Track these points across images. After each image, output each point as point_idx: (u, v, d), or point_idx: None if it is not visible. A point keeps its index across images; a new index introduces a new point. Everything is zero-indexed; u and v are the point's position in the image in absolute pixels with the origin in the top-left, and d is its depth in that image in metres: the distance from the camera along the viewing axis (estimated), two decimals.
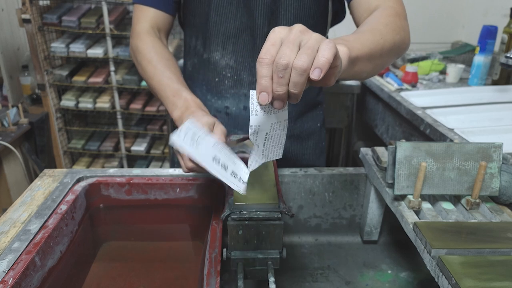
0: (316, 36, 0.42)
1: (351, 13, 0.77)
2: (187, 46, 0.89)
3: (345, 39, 0.54)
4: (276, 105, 0.43)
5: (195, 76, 0.87)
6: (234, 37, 0.79)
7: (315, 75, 0.40)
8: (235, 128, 0.86)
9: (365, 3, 0.72)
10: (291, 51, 0.41)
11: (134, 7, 0.81)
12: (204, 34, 0.81)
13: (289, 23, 0.78)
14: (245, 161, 0.51)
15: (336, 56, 0.42)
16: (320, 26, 0.83)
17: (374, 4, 0.70)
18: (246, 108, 0.85)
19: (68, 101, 2.23)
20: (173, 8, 0.82)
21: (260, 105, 0.44)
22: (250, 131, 0.45)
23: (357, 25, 0.75)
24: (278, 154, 0.50)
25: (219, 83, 0.84)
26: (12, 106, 2.10)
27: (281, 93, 0.42)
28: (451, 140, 1.04)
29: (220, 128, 0.60)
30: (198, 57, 0.85)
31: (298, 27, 0.42)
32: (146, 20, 0.79)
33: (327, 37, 0.89)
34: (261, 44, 0.78)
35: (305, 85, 0.42)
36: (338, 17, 0.86)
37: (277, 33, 0.42)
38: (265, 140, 0.47)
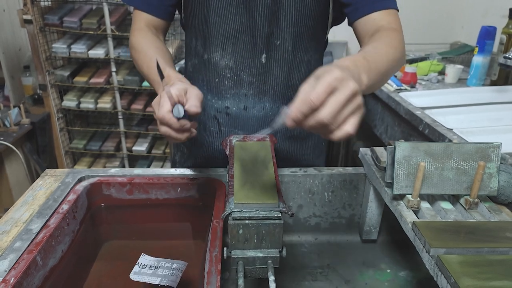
0: (358, 102, 0.44)
1: (354, 30, 0.79)
2: (187, 47, 0.89)
3: (368, 60, 0.57)
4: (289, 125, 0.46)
5: (196, 77, 0.88)
6: (233, 37, 0.79)
7: (332, 138, 0.45)
8: (235, 128, 0.87)
9: (370, 23, 0.74)
10: (334, 115, 0.43)
11: (133, 11, 0.85)
12: (204, 35, 0.82)
13: (290, 24, 0.78)
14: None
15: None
16: (321, 27, 0.83)
17: (379, 24, 0.74)
18: (246, 108, 0.85)
19: (69, 102, 2.23)
20: (168, 13, 0.84)
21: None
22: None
23: (361, 41, 0.77)
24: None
25: (219, 84, 0.84)
26: (14, 107, 2.11)
27: (304, 127, 0.45)
28: (450, 140, 1.05)
29: (194, 93, 0.61)
30: (198, 58, 0.86)
31: (354, 89, 0.44)
32: (142, 21, 0.83)
33: (327, 39, 0.90)
34: (261, 45, 0.79)
35: None
36: (338, 20, 0.87)
37: (335, 81, 0.43)
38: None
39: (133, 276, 0.59)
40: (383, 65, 0.62)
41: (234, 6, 0.77)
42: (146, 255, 0.63)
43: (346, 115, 0.44)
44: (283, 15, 0.77)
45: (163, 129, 0.59)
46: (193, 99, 0.60)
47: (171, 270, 0.61)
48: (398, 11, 0.77)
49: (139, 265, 0.61)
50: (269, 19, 0.77)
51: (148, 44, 0.78)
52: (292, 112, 0.44)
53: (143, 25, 0.82)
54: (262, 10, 0.76)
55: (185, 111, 0.59)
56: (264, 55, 0.80)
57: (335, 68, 0.45)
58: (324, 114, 0.42)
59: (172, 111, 0.57)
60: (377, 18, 0.74)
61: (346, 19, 0.81)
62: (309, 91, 0.43)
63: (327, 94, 0.43)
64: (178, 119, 0.58)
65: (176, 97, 0.59)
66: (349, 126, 0.44)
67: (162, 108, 0.57)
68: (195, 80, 0.88)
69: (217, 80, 0.84)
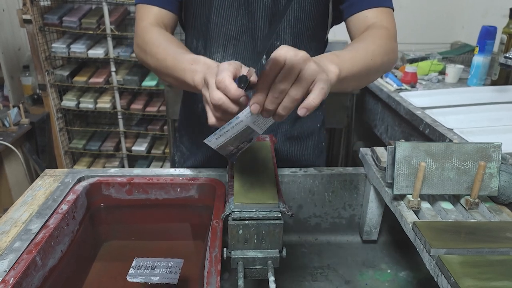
0: (314, 68, 0.48)
1: (347, 27, 0.79)
2: (188, 47, 0.89)
3: (340, 57, 0.59)
4: (264, 115, 0.49)
5: None
6: (234, 39, 0.79)
7: (301, 113, 0.48)
8: None
9: (362, 20, 0.75)
10: (292, 78, 0.47)
11: (136, 7, 0.80)
12: (205, 36, 0.81)
13: (290, 25, 0.78)
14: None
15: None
16: (320, 28, 0.83)
17: (370, 22, 0.74)
18: None
19: (69, 101, 2.23)
20: (177, 7, 0.81)
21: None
22: (234, 121, 0.50)
23: (352, 39, 0.78)
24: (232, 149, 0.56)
25: None
26: (13, 106, 2.10)
27: (271, 109, 0.48)
28: (450, 140, 1.05)
29: (246, 68, 0.55)
30: None
31: (303, 55, 0.47)
32: (150, 17, 0.78)
33: (327, 39, 0.90)
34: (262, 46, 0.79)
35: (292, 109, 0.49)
36: (338, 20, 0.86)
37: (283, 53, 0.47)
38: (235, 133, 0.52)
39: (130, 278, 0.58)
40: (360, 60, 0.62)
41: (235, 7, 0.77)
42: (139, 258, 0.63)
43: (304, 79, 0.47)
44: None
45: (218, 96, 0.49)
46: (247, 68, 0.53)
47: (168, 268, 0.61)
48: (393, 10, 0.77)
49: (134, 267, 0.60)
50: (269, 20, 0.77)
51: (168, 40, 0.73)
52: (253, 95, 0.47)
53: (152, 20, 0.77)
54: (263, 11, 0.76)
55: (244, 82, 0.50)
56: (264, 57, 0.80)
57: (283, 46, 0.48)
58: (278, 78, 0.46)
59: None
60: (369, 16, 0.74)
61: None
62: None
63: (278, 65, 0.46)
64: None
65: (235, 70, 0.51)
66: (315, 96, 0.47)
67: (223, 72, 0.50)
68: None
69: None
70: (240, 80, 0.50)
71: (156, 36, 0.74)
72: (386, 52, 0.69)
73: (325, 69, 0.52)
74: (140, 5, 0.79)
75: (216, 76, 0.50)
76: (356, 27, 0.76)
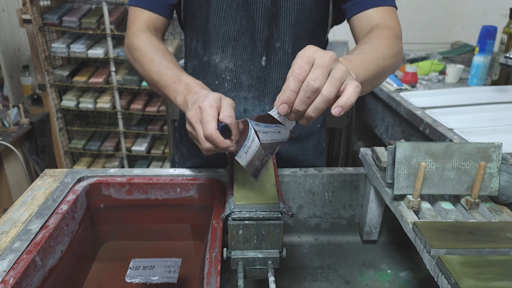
0: (344, 69, 0.46)
1: (351, 27, 0.78)
2: (187, 48, 0.89)
3: (353, 63, 0.57)
4: (291, 117, 0.46)
5: (196, 78, 0.88)
6: (233, 40, 0.79)
7: (336, 112, 0.45)
8: None
9: (366, 20, 0.74)
10: (324, 77, 0.44)
11: (129, 8, 0.81)
12: (204, 37, 0.81)
13: (290, 26, 0.78)
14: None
15: None
16: (321, 29, 0.83)
17: (375, 21, 0.73)
18: (246, 111, 0.85)
19: (68, 101, 2.23)
20: (169, 11, 0.82)
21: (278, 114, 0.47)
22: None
23: (356, 39, 0.77)
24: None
25: (219, 86, 0.84)
26: (13, 106, 2.10)
27: (301, 110, 0.45)
28: (451, 140, 1.04)
29: (227, 101, 0.59)
30: (198, 60, 0.85)
31: (332, 55, 0.45)
32: (141, 21, 0.79)
33: (327, 39, 0.90)
34: (261, 48, 0.79)
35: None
36: (338, 20, 0.86)
37: (312, 53, 0.45)
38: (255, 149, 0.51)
39: (129, 279, 0.58)
40: (371, 64, 0.61)
41: (234, 8, 0.77)
42: (136, 258, 0.63)
43: (335, 77, 0.44)
44: (283, 17, 0.77)
45: (207, 146, 0.56)
46: (227, 108, 0.58)
47: (167, 267, 0.61)
48: (396, 8, 0.76)
49: (132, 268, 0.60)
50: (268, 21, 0.77)
51: (155, 48, 0.75)
52: (281, 95, 0.44)
53: (143, 25, 0.79)
54: (262, 13, 0.76)
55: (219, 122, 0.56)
56: (264, 58, 0.80)
57: (309, 46, 0.46)
58: (311, 77, 0.43)
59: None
60: (374, 15, 0.74)
61: (345, 21, 0.81)
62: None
63: (308, 64, 0.44)
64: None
65: (217, 109, 0.56)
66: (350, 94, 0.44)
67: (209, 125, 0.54)
68: None
69: (216, 82, 0.84)
70: (223, 132, 0.55)
71: (144, 43, 0.76)
72: (394, 54, 0.68)
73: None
74: (132, 8, 0.81)
75: (204, 130, 0.55)
76: (361, 27, 0.75)
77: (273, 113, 0.47)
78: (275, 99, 0.84)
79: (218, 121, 0.56)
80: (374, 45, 0.66)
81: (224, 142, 0.55)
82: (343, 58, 0.58)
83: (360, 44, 0.69)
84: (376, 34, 0.70)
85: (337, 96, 0.46)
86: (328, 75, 0.45)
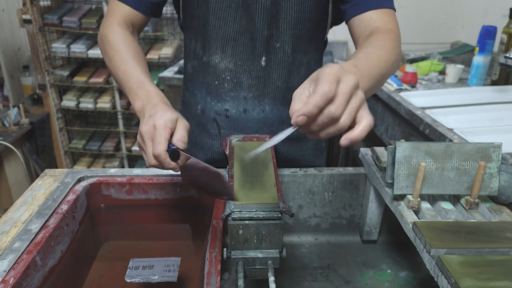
0: (362, 98, 0.45)
1: (349, 28, 0.78)
2: (187, 49, 0.89)
3: (361, 72, 0.57)
4: (302, 130, 0.46)
5: (195, 79, 0.88)
6: (233, 40, 0.79)
7: (344, 144, 0.44)
8: (235, 131, 0.86)
9: (366, 22, 0.74)
10: (344, 105, 0.43)
11: (110, 1, 0.80)
12: (204, 37, 0.81)
13: (290, 26, 0.78)
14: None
15: None
16: (320, 29, 0.83)
17: (375, 24, 0.73)
18: (246, 111, 0.85)
19: (69, 101, 2.23)
20: (149, 9, 0.80)
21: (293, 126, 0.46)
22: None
23: (356, 40, 0.76)
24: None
25: (219, 86, 0.84)
26: (13, 106, 2.10)
27: (313, 130, 0.45)
28: (451, 140, 1.05)
29: (183, 124, 0.59)
30: (198, 60, 0.85)
31: (356, 81, 0.44)
32: (120, 15, 0.78)
33: (326, 39, 0.90)
34: (261, 48, 0.79)
35: None
36: (338, 20, 0.86)
37: (337, 72, 0.44)
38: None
39: (128, 279, 0.58)
40: (375, 71, 0.61)
41: (233, 8, 0.77)
42: (135, 258, 0.63)
43: (353, 109, 0.44)
44: (283, 17, 0.77)
45: (153, 163, 0.57)
46: (182, 131, 0.58)
47: (166, 266, 0.61)
48: (395, 11, 0.76)
49: (131, 268, 0.60)
50: (268, 21, 0.77)
51: (127, 46, 0.74)
52: (305, 108, 0.43)
53: (120, 19, 0.78)
54: (262, 13, 0.76)
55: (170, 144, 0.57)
56: (263, 58, 0.80)
57: (332, 64, 0.45)
58: (334, 107, 0.43)
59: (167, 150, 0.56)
60: (374, 18, 0.73)
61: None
62: (308, 90, 0.44)
63: (336, 83, 0.43)
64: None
65: (170, 130, 0.57)
66: (363, 129, 0.44)
67: (159, 145, 0.55)
68: (195, 81, 0.88)
69: (216, 82, 0.84)
70: (172, 154, 0.56)
71: (118, 39, 0.75)
72: (396, 59, 0.69)
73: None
74: (112, 0, 0.79)
75: (153, 150, 0.56)
76: (360, 29, 0.74)
77: (290, 128, 0.47)
78: (275, 99, 0.84)
79: (170, 143, 0.57)
80: (377, 49, 0.66)
81: (170, 164, 0.56)
82: (353, 64, 0.57)
83: (364, 47, 0.69)
84: (378, 37, 0.70)
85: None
86: (347, 103, 0.44)
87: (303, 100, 0.44)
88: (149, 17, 0.83)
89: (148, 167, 0.60)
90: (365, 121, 0.45)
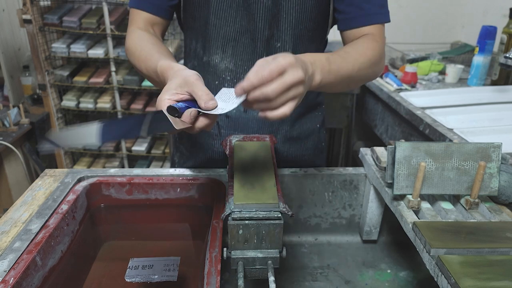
0: (301, 91, 0.51)
1: (342, 37, 0.81)
2: (187, 49, 0.89)
3: (330, 65, 0.61)
4: (243, 104, 0.52)
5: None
6: (233, 40, 0.79)
7: (260, 115, 0.51)
8: (235, 130, 0.86)
9: (357, 34, 0.77)
10: (280, 93, 0.49)
11: (130, 10, 0.82)
12: (204, 37, 0.81)
13: (290, 26, 0.78)
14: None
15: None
16: (321, 29, 0.83)
17: (364, 33, 0.76)
18: (246, 111, 0.85)
19: (69, 101, 2.23)
20: (168, 13, 0.82)
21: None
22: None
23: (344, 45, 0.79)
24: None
25: (219, 86, 0.84)
26: (13, 106, 2.10)
27: (249, 97, 0.51)
28: (450, 140, 1.05)
29: (199, 84, 0.57)
30: (198, 60, 0.85)
31: (299, 76, 0.50)
32: (140, 21, 0.80)
33: (326, 40, 0.90)
34: (261, 48, 0.79)
35: None
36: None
37: (286, 63, 0.50)
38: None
39: (128, 278, 0.58)
40: (347, 70, 0.65)
41: (234, 8, 0.77)
42: (135, 258, 0.63)
43: (288, 98, 0.50)
44: (284, 17, 0.77)
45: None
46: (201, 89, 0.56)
47: (166, 266, 0.61)
48: (389, 21, 0.78)
49: (131, 268, 0.60)
50: (269, 21, 0.77)
51: (143, 43, 0.75)
52: (244, 81, 0.49)
53: (141, 25, 0.80)
54: (262, 13, 0.76)
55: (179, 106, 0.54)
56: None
57: (292, 56, 0.51)
58: (270, 89, 0.49)
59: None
60: (365, 31, 0.76)
61: None
62: (263, 66, 0.49)
63: (278, 73, 0.49)
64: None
65: (175, 92, 0.54)
66: (287, 108, 0.51)
67: (160, 102, 0.53)
68: None
69: (217, 82, 0.84)
70: (169, 111, 0.54)
71: (134, 42, 0.76)
72: (372, 65, 0.72)
73: (311, 75, 0.56)
74: (132, 9, 0.81)
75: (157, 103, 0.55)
76: (351, 39, 0.78)
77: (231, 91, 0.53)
78: None
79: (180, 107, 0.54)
80: (356, 53, 0.69)
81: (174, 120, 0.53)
82: (326, 58, 0.61)
83: (347, 47, 0.73)
84: (362, 42, 0.73)
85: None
86: (285, 91, 0.50)
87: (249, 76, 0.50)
88: (169, 21, 0.84)
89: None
90: (282, 110, 0.51)
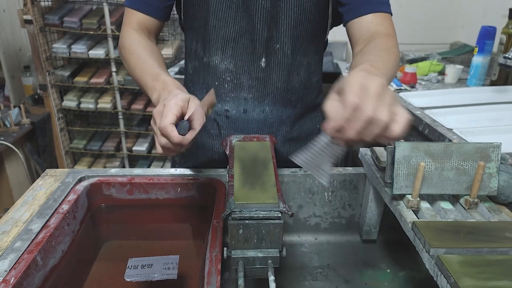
0: (391, 93, 0.45)
1: (348, 31, 0.78)
2: (187, 49, 0.89)
3: (378, 70, 0.56)
4: (344, 145, 0.47)
5: (196, 79, 0.88)
6: (233, 41, 0.79)
7: (385, 141, 0.45)
8: (235, 131, 0.87)
9: (366, 25, 0.74)
10: (378, 105, 0.43)
11: (125, 10, 0.82)
12: (204, 38, 0.82)
13: (289, 28, 0.78)
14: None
15: None
16: (320, 30, 0.83)
17: (375, 29, 0.73)
18: (246, 112, 0.85)
19: (70, 102, 2.24)
20: (163, 13, 0.82)
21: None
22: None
23: (355, 43, 0.76)
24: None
25: (219, 87, 0.84)
26: (14, 107, 2.11)
27: (357, 138, 0.44)
28: (450, 140, 1.05)
29: (194, 103, 0.59)
30: (198, 61, 0.86)
31: (380, 81, 0.45)
32: (134, 22, 0.80)
33: (326, 40, 0.90)
34: (261, 49, 0.79)
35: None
36: (338, 21, 0.86)
37: (360, 80, 0.44)
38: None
39: (128, 278, 0.59)
40: (388, 72, 0.63)
41: (233, 9, 0.77)
42: (133, 257, 0.63)
43: (388, 103, 0.44)
44: (282, 18, 0.77)
45: (163, 141, 0.55)
46: (193, 109, 0.57)
47: (165, 264, 0.61)
48: (392, 15, 0.77)
49: (130, 267, 0.61)
50: (268, 23, 0.77)
51: (142, 47, 0.76)
52: (333, 121, 0.44)
53: (136, 25, 0.80)
54: (261, 14, 0.76)
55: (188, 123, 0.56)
56: (263, 59, 0.80)
57: (356, 72, 0.46)
58: (366, 108, 0.42)
59: (176, 125, 0.55)
60: (374, 21, 0.74)
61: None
62: (340, 101, 0.44)
63: (361, 91, 0.43)
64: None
65: (181, 108, 0.56)
66: (401, 115, 0.44)
67: (166, 119, 0.54)
68: (195, 82, 0.88)
69: (217, 83, 0.84)
70: (180, 128, 0.55)
71: (133, 42, 0.77)
72: (398, 61, 0.70)
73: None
74: (127, 9, 0.81)
75: (158, 122, 0.55)
76: (360, 31, 0.75)
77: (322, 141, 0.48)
78: (275, 100, 0.84)
79: (182, 120, 0.56)
80: (387, 52, 0.67)
81: (176, 137, 0.54)
82: (371, 66, 0.57)
83: (372, 50, 0.69)
84: (383, 41, 0.70)
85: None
86: (380, 102, 0.44)
87: (336, 113, 0.44)
88: (164, 22, 0.84)
89: (160, 151, 0.57)
90: (400, 116, 0.44)
